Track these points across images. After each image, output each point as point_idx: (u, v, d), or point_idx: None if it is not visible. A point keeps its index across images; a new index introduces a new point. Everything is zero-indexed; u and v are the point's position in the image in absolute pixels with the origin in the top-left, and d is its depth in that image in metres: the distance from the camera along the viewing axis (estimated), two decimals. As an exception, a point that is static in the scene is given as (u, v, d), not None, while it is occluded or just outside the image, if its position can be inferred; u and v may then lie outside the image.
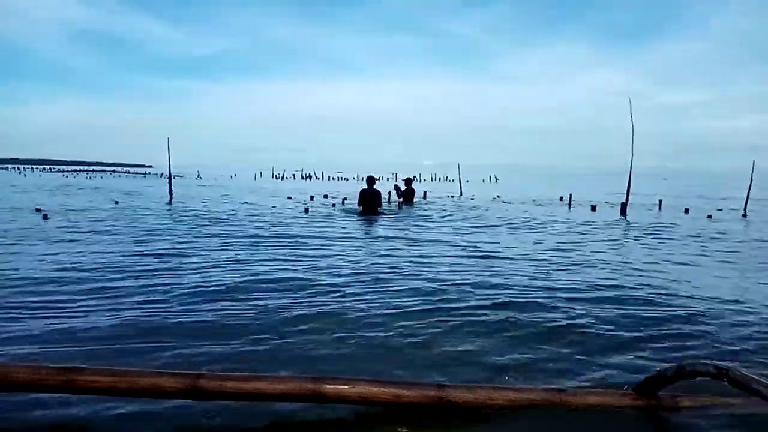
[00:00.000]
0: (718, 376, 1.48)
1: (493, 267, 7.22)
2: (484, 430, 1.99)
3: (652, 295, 5.60)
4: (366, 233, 11.42)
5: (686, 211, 17.64)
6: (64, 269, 6.63)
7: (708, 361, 1.51)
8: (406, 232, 11.41)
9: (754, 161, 18.94)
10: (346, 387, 1.75)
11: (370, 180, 15.57)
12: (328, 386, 1.78)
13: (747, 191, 18.40)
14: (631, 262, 8.03)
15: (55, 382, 1.76)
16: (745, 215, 16.96)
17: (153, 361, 3.25)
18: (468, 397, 1.62)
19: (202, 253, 8.06)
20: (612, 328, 4.39)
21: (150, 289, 5.62)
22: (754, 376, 1.41)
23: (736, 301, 5.45)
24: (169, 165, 20.70)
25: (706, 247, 10.04)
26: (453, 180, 40.68)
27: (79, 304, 5.03)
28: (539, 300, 5.29)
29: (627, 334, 4.20)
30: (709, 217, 16.10)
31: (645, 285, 6.15)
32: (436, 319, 4.57)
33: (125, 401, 2.14)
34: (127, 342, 3.84)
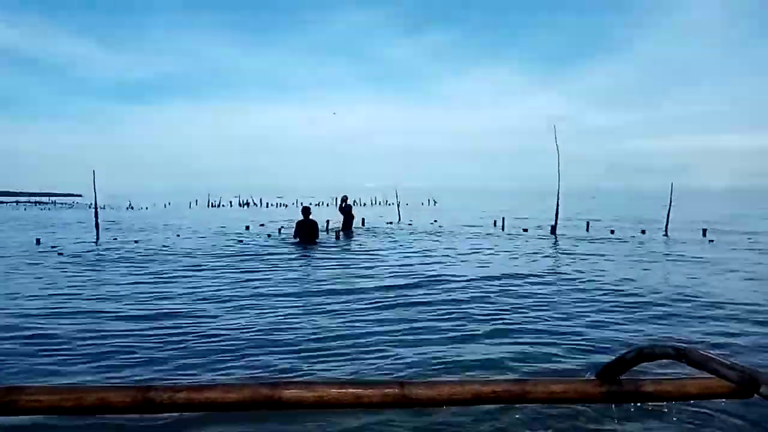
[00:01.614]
0: (677, 357, 1.46)
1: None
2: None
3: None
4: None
5: (612, 231, 18.43)
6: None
7: (667, 343, 1.51)
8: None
9: (672, 183, 20.04)
10: (304, 391, 1.70)
11: (306, 210, 15.46)
12: (285, 392, 1.72)
13: (667, 212, 19.41)
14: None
15: None
16: (666, 235, 17.85)
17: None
18: (431, 394, 1.62)
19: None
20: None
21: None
22: (712, 355, 1.43)
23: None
24: (95, 201, 19.87)
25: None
26: (392, 204, 41.00)
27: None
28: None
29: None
30: (633, 237, 16.88)
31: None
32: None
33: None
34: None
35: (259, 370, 4.64)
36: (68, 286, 8.95)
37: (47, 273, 10.49)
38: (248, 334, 5.79)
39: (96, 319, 6.54)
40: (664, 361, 1.30)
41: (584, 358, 4.83)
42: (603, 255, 12.52)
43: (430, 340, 5.56)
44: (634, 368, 1.36)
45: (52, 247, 15.14)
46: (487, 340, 5.55)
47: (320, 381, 1.69)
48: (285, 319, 6.50)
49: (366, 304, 7.34)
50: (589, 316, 6.48)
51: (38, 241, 16.38)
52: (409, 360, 4.85)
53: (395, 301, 7.55)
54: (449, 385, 1.59)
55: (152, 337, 5.68)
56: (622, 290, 8.18)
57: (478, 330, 5.94)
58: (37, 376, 4.56)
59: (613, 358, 1.36)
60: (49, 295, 8.14)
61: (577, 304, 7.22)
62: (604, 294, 7.94)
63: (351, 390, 1.65)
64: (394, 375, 4.50)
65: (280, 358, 4.98)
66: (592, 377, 1.54)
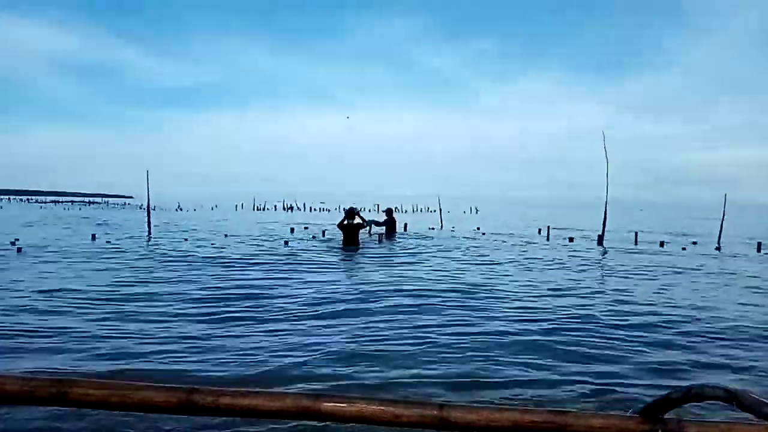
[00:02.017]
0: (727, 399, 1.42)
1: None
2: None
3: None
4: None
5: (661, 244, 17.95)
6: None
7: (717, 384, 1.47)
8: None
9: (725, 194, 19.40)
10: (344, 405, 1.74)
11: (350, 213, 15.61)
12: (325, 404, 1.76)
13: (720, 224, 18.78)
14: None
15: (46, 395, 1.62)
16: (718, 248, 17.27)
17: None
18: (470, 418, 1.61)
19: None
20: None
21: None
22: (766, 401, 1.39)
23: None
24: (148, 199, 20.49)
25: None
26: (434, 211, 40.87)
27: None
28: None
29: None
30: (683, 249, 16.38)
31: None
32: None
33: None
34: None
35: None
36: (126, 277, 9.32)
37: (109, 265, 10.93)
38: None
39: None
40: (712, 403, 1.25)
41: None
42: (652, 270, 12.14)
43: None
44: (679, 408, 1.32)
45: (107, 242, 15.75)
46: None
47: (360, 396, 1.72)
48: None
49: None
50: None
51: (93, 237, 17.09)
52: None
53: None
54: (488, 410, 1.57)
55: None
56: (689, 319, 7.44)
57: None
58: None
59: (658, 395, 1.34)
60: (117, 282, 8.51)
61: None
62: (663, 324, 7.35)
63: (390, 408, 1.67)
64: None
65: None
66: (635, 414, 1.50)
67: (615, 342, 5.62)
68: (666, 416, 1.43)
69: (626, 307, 7.49)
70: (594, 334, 5.93)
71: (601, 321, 6.57)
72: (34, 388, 1.59)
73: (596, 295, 8.52)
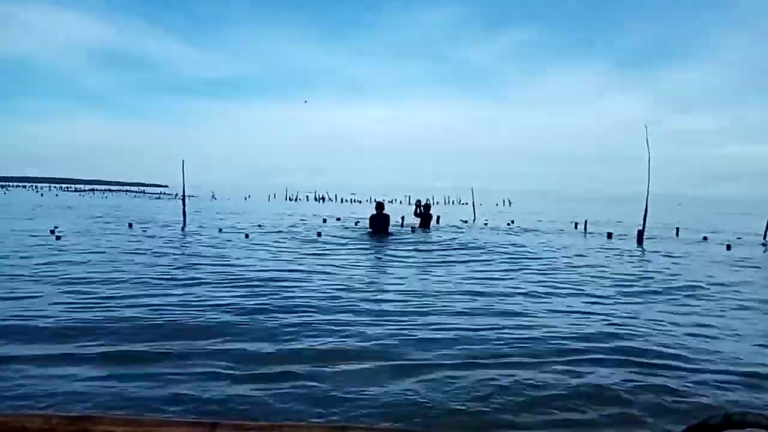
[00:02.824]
0: None
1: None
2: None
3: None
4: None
5: (704, 238, 17.36)
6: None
7: (760, 412, 1.38)
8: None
9: (774, 189, 18.64)
10: None
11: (379, 205, 16.03)
12: None
13: (767, 220, 18.08)
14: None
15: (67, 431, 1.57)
16: (765, 244, 16.64)
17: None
18: None
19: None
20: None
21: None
22: None
23: None
24: (183, 190, 20.76)
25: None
26: (466, 203, 40.61)
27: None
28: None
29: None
30: (728, 248, 15.79)
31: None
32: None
33: None
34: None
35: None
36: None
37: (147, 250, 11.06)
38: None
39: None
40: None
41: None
42: (691, 263, 11.73)
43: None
44: None
45: (143, 231, 16.02)
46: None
47: (385, 427, 1.62)
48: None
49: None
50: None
51: (130, 225, 17.48)
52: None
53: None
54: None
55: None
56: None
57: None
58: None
59: (697, 420, 1.25)
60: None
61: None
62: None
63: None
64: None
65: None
66: None
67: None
68: None
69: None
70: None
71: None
72: (55, 426, 1.56)
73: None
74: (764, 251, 15.25)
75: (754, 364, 4.69)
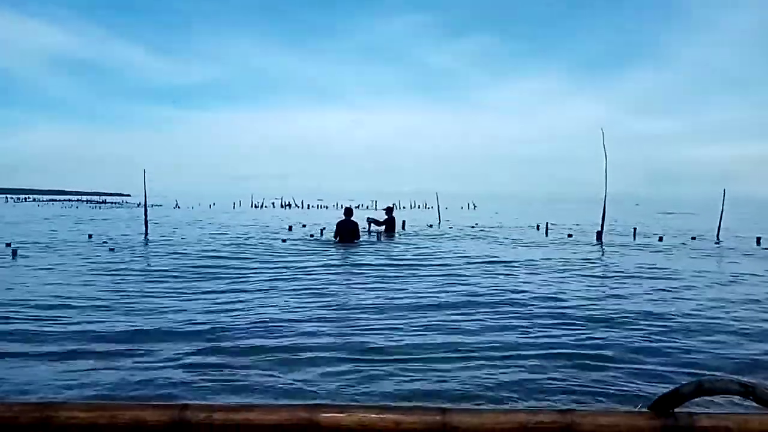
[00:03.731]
0: (743, 393, 1.36)
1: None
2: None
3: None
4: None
5: (660, 239, 17.98)
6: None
7: (731, 377, 1.42)
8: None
9: (724, 190, 19.43)
10: (343, 415, 1.67)
11: (348, 211, 15.59)
12: (323, 415, 1.69)
13: (719, 219, 18.84)
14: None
15: (31, 420, 1.62)
16: (718, 243, 17.33)
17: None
18: (474, 422, 1.54)
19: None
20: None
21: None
22: None
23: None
24: (145, 199, 20.46)
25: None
26: (431, 207, 40.91)
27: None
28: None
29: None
30: (683, 244, 16.41)
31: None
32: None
33: None
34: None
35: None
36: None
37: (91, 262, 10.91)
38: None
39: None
40: (726, 397, 1.21)
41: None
42: (654, 265, 12.17)
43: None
44: (691, 402, 1.29)
45: (104, 242, 15.70)
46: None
47: (358, 405, 1.65)
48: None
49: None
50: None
51: (90, 236, 17.11)
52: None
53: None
54: (493, 413, 1.50)
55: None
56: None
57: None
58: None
59: (669, 388, 1.31)
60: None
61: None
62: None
63: (390, 416, 1.59)
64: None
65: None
66: (644, 409, 1.44)
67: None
68: (677, 410, 1.38)
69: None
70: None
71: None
72: (18, 413, 1.53)
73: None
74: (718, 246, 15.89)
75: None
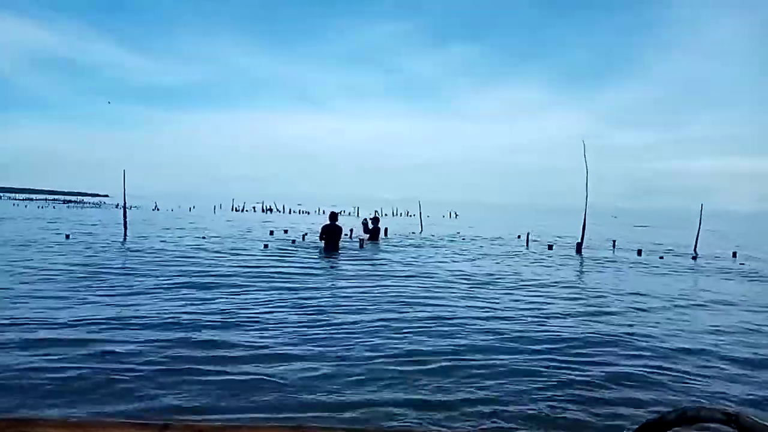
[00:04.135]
0: (725, 421, 1.34)
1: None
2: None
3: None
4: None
5: (639, 252, 18.19)
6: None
7: (714, 405, 1.39)
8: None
9: (702, 204, 19.76)
10: None
11: (333, 216, 15.67)
12: None
13: (696, 233, 19.13)
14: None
15: None
16: (694, 257, 17.57)
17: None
18: None
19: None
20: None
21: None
22: (767, 423, 1.33)
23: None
24: (125, 201, 20.18)
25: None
26: (413, 215, 40.97)
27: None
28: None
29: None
30: (661, 258, 16.61)
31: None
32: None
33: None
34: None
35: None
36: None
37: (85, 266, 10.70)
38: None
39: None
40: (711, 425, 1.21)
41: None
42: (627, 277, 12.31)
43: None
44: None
45: (87, 247, 15.43)
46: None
47: (343, 427, 1.62)
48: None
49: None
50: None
51: (67, 237, 16.82)
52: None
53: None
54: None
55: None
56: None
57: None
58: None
59: (654, 415, 1.29)
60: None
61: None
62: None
63: None
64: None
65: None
66: None
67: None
68: None
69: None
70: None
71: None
72: None
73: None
74: (695, 261, 16.11)
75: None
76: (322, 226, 15.71)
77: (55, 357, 4.77)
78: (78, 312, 6.63)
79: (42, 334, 5.53)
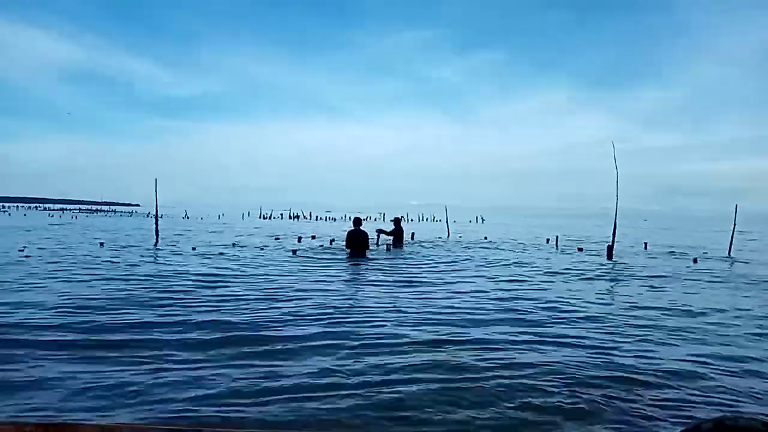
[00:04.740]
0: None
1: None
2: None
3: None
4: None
5: (671, 253, 17.83)
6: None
7: (753, 416, 1.33)
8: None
9: (736, 205, 19.26)
10: None
11: (357, 221, 15.51)
12: None
13: (731, 234, 18.66)
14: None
15: None
16: (728, 258, 17.15)
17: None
18: None
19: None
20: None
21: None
22: None
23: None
24: (156, 207, 20.52)
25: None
26: (440, 220, 40.88)
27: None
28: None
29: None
30: (695, 261, 16.23)
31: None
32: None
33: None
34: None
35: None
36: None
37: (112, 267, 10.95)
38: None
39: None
40: None
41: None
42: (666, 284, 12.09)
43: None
44: None
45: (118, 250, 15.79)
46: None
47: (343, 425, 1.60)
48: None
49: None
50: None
51: (102, 245, 17.21)
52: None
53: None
54: None
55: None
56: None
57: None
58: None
59: (689, 424, 1.27)
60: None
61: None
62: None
63: None
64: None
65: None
66: None
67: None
68: None
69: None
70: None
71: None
72: None
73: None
74: (730, 265, 15.72)
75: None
76: (347, 232, 15.64)
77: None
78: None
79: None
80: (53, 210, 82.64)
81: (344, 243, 15.76)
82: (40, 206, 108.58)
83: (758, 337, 6.20)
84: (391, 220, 19.63)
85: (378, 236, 17.81)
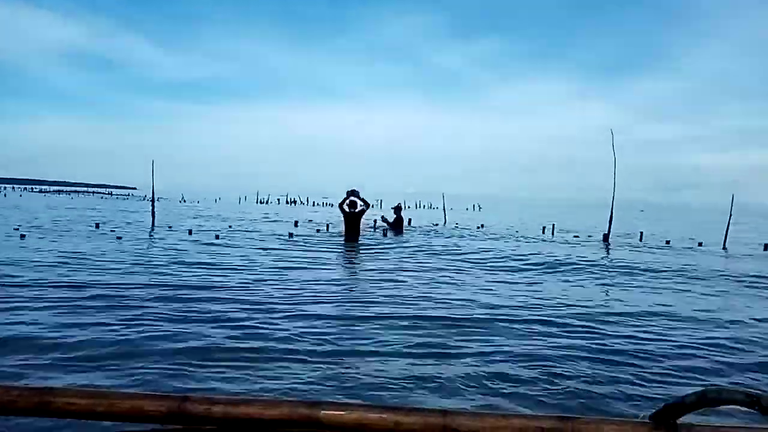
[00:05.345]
0: (748, 404, 1.29)
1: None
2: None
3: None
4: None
5: (667, 242, 17.88)
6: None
7: (735, 387, 1.34)
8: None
9: (733, 195, 19.22)
10: (343, 413, 1.64)
11: (353, 203, 15.33)
12: (323, 412, 1.67)
13: (726, 225, 18.68)
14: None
15: (28, 404, 1.58)
16: (724, 248, 17.21)
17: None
18: (474, 425, 1.52)
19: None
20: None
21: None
22: None
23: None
24: (153, 190, 20.47)
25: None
26: (436, 208, 40.84)
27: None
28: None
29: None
30: (689, 248, 16.33)
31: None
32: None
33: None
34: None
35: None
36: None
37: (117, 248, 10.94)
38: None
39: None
40: (729, 407, 1.18)
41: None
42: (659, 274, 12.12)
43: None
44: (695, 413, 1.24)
45: (111, 230, 15.76)
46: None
47: (359, 404, 1.62)
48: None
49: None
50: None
51: (97, 225, 17.20)
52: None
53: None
54: (494, 417, 1.48)
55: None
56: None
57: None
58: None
59: (671, 398, 1.26)
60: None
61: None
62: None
63: (391, 416, 1.57)
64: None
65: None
66: (646, 419, 1.42)
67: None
68: (679, 421, 1.34)
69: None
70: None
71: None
72: (17, 398, 1.50)
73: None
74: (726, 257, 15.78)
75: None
76: (340, 203, 15.50)
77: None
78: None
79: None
80: (49, 192, 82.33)
81: (342, 228, 15.87)
82: (35, 187, 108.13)
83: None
84: (392, 208, 19.57)
85: (375, 222, 17.91)
